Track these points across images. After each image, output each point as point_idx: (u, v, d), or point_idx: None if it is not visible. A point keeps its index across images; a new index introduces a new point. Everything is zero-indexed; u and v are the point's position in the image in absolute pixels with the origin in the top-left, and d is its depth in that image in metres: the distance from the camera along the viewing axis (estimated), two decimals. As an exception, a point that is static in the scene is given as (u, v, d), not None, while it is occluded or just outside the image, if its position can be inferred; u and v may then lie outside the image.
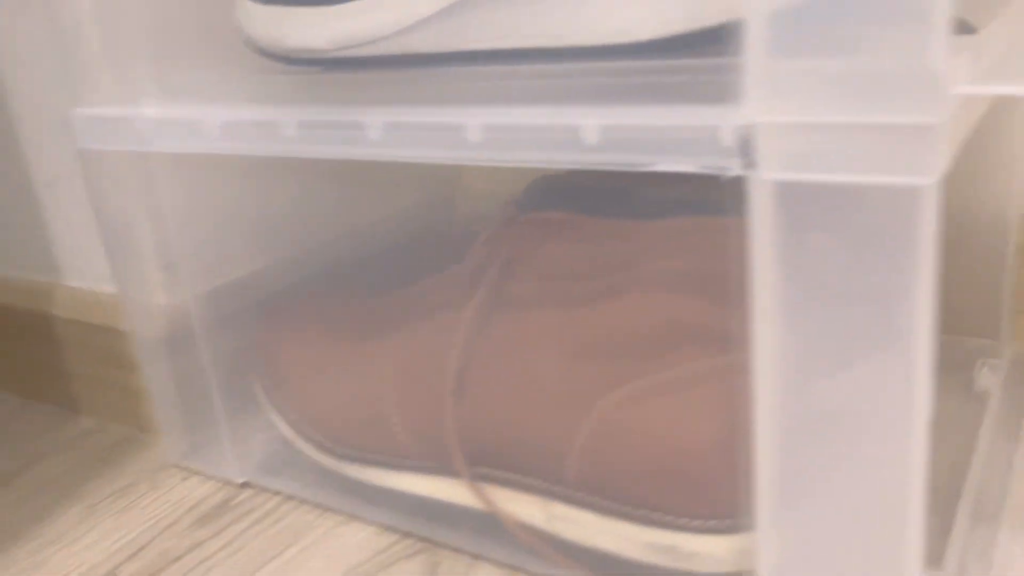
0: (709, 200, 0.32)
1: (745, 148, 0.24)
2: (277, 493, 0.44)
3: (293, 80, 0.37)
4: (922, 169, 0.22)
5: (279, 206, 0.52)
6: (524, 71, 0.30)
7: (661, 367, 0.31)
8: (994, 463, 0.41)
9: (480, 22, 0.31)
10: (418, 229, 0.60)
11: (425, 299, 0.41)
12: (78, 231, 0.53)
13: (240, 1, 0.37)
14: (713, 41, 0.27)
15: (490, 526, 0.38)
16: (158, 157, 0.41)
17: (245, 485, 0.45)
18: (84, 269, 0.54)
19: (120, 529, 0.43)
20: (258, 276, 0.52)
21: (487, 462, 0.36)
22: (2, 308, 0.57)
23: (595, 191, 0.36)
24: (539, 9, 0.30)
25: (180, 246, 0.45)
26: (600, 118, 0.27)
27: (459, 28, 0.31)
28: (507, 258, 0.36)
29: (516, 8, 0.30)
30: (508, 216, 0.37)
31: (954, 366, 0.46)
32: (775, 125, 0.24)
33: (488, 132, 0.29)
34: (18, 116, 0.52)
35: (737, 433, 0.30)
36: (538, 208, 0.36)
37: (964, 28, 0.26)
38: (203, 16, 0.43)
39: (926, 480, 0.25)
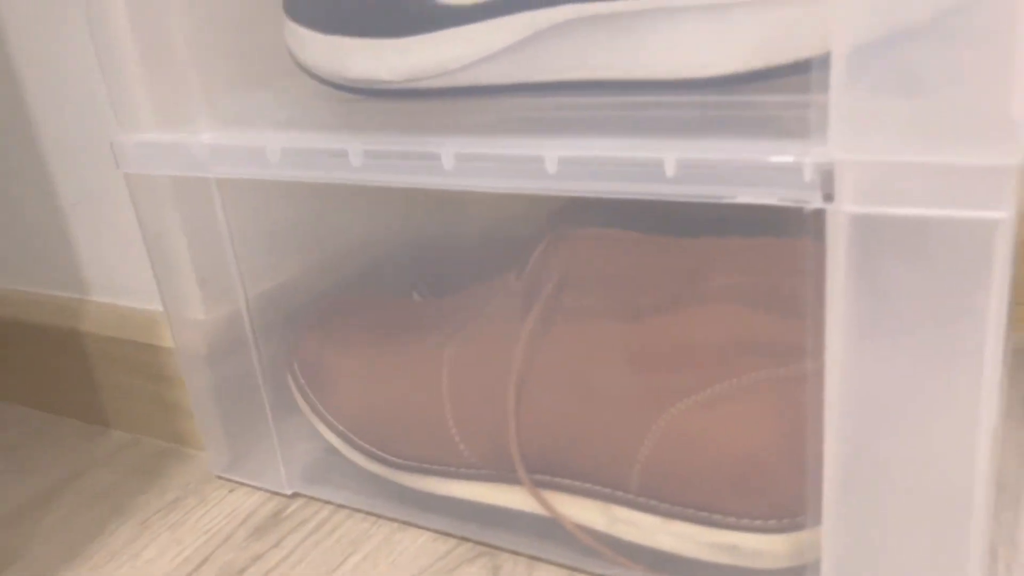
0: (755, 220, 0.34)
1: (826, 183, 0.26)
2: (327, 503, 0.46)
3: (354, 107, 0.38)
4: (999, 205, 0.24)
5: (312, 213, 0.53)
6: (599, 103, 0.32)
7: (726, 378, 0.33)
8: (1004, 448, 0.44)
9: (551, 55, 0.32)
10: (447, 236, 0.61)
11: (476, 307, 0.42)
12: (105, 249, 0.53)
13: (293, 28, 0.38)
14: (789, 75, 0.29)
15: (548, 529, 0.39)
16: (197, 178, 0.42)
17: (295, 495, 0.47)
18: (110, 285, 0.54)
19: (178, 543, 0.44)
20: (299, 282, 0.53)
21: (547, 470, 0.38)
22: (29, 324, 0.57)
23: (635, 209, 0.38)
24: (611, 42, 0.31)
25: (216, 260, 0.46)
26: (682, 151, 0.28)
27: (529, 60, 0.33)
28: (564, 271, 0.37)
29: (586, 41, 0.31)
30: (561, 231, 0.38)
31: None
32: (856, 163, 0.25)
33: (565, 164, 0.30)
34: (47, 139, 0.52)
35: (798, 438, 0.32)
36: (580, 223, 0.38)
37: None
38: (248, 37, 0.43)
39: (991, 486, 0.27)
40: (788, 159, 0.27)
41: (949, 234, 0.25)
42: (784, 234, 0.33)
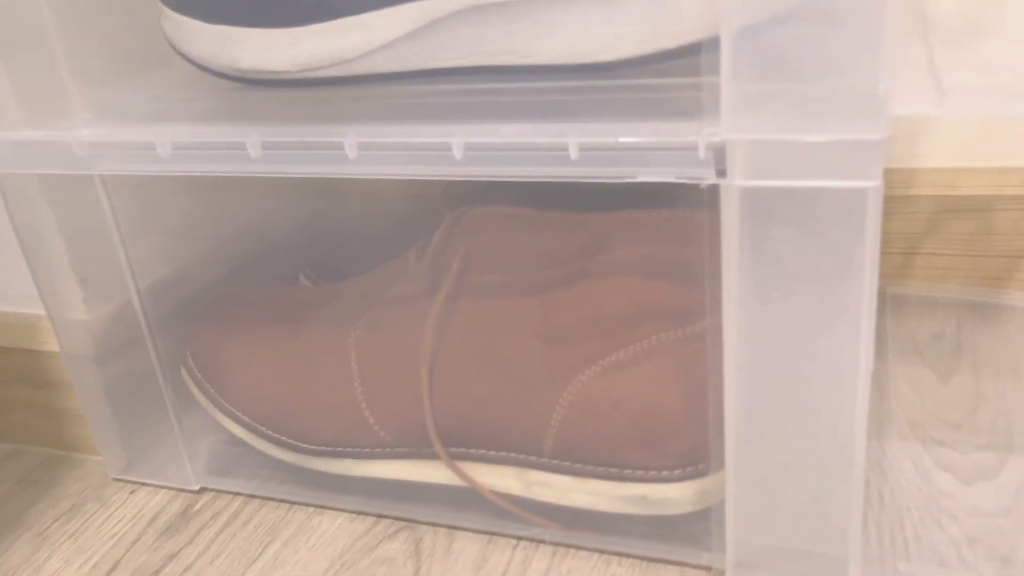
0: (646, 193, 0.36)
1: (719, 160, 0.28)
2: (236, 494, 0.45)
3: (243, 96, 0.38)
4: (869, 175, 0.27)
5: (195, 202, 0.52)
6: (498, 88, 0.33)
7: (628, 343, 0.36)
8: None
9: (447, 41, 0.33)
10: (331, 220, 0.61)
11: (377, 291, 0.43)
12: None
13: (172, 16, 0.37)
14: (678, 59, 0.31)
15: (464, 499, 0.41)
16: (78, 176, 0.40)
17: (201, 491, 0.46)
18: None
19: (82, 551, 0.43)
20: (185, 272, 0.51)
21: (462, 443, 0.39)
22: None
23: (529, 186, 0.39)
24: (506, 29, 0.32)
25: (98, 257, 0.45)
26: (584, 135, 0.30)
27: (426, 47, 0.33)
28: (467, 250, 0.39)
29: (483, 28, 0.32)
30: (460, 210, 0.39)
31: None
32: (744, 141, 0.28)
33: (471, 150, 0.31)
34: None
35: (697, 393, 0.35)
36: (478, 202, 0.39)
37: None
38: (118, 22, 0.41)
39: (866, 422, 0.31)
40: (684, 139, 0.29)
41: (828, 202, 0.28)
42: (674, 206, 0.35)
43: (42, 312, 0.49)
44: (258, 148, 0.34)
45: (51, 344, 0.48)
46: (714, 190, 0.29)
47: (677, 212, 0.34)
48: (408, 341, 0.40)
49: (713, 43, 0.29)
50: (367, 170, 0.33)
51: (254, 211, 0.58)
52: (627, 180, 0.30)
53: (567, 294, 0.36)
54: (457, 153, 0.31)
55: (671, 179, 0.29)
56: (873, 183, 0.27)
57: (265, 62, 0.34)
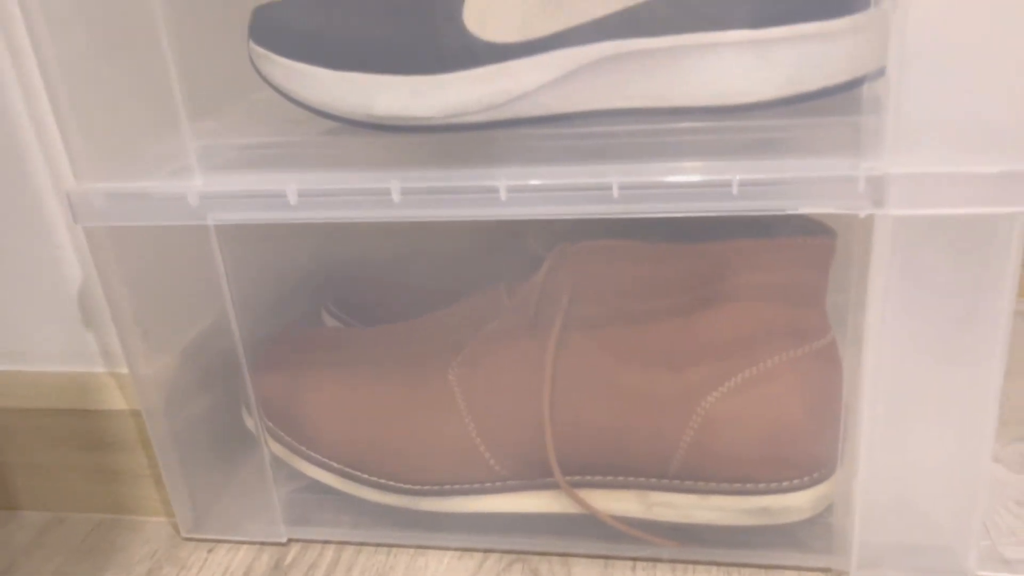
0: (743, 224, 0.39)
1: (877, 192, 0.31)
2: (326, 542, 0.45)
3: (354, 139, 0.38)
4: (1019, 201, 0.30)
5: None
6: (645, 130, 0.34)
7: (749, 365, 0.38)
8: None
9: (591, 86, 0.34)
10: (353, 256, 0.60)
11: (465, 326, 0.43)
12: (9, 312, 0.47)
13: (283, 62, 0.36)
14: (817, 99, 0.33)
15: (571, 526, 0.42)
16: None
17: (289, 542, 0.45)
18: (8, 351, 0.48)
19: (182, 617, 0.41)
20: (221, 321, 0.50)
21: (581, 471, 0.41)
22: None
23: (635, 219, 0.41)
24: (648, 74, 0.34)
25: (159, 309, 0.44)
26: (746, 172, 0.32)
27: (570, 92, 0.34)
28: (575, 284, 0.40)
29: (625, 73, 0.34)
30: (563, 246, 0.40)
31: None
32: (904, 175, 0.31)
33: (629, 188, 0.33)
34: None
35: (817, 407, 0.38)
36: (579, 238, 0.41)
37: None
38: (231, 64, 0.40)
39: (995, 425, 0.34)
40: (845, 174, 0.31)
41: (977, 227, 0.31)
42: (778, 235, 0.38)
43: (91, 369, 0.47)
44: (399, 193, 0.35)
45: (104, 403, 0.46)
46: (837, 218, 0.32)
47: (790, 240, 0.37)
48: (520, 374, 0.40)
49: (856, 83, 0.32)
50: (520, 212, 0.34)
51: (271, 252, 0.57)
52: (789, 212, 0.32)
53: (689, 321, 0.38)
54: (616, 192, 0.33)
55: (832, 211, 0.32)
56: (1020, 208, 0.30)
57: (405, 109, 0.35)
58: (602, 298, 0.40)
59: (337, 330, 0.51)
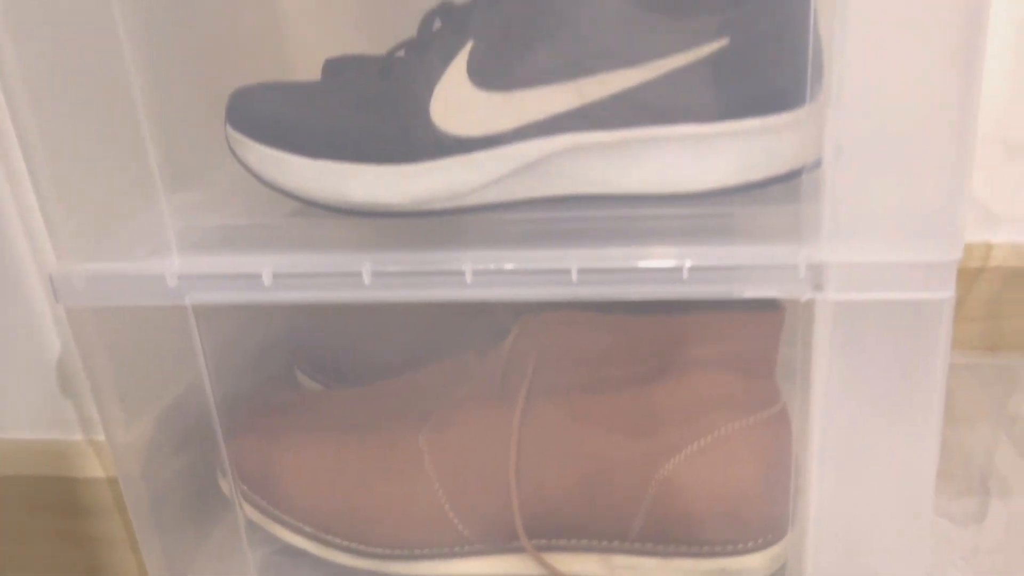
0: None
1: (816, 277, 0.33)
2: (299, 605, 0.46)
3: (328, 222, 0.39)
4: (946, 287, 0.33)
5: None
6: (603, 216, 0.36)
7: (706, 432, 0.40)
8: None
9: (552, 174, 0.36)
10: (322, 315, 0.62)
11: (434, 390, 0.45)
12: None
13: (259, 149, 0.38)
14: (763, 188, 0.36)
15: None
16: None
17: (263, 605, 0.46)
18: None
19: None
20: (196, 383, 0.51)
21: (547, 535, 0.42)
22: None
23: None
24: (605, 163, 0.36)
25: (138, 377, 0.45)
26: (696, 259, 0.34)
27: (532, 180, 0.37)
28: (540, 353, 0.42)
29: (584, 163, 0.36)
30: (523, 316, 0.42)
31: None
32: (840, 263, 0.33)
33: (587, 272, 0.35)
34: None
35: (774, 470, 0.40)
36: (543, 308, 0.43)
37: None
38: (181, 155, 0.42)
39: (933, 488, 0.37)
40: (786, 261, 0.34)
41: (908, 310, 0.34)
42: (730, 309, 0.40)
43: (69, 437, 0.48)
44: (370, 275, 0.36)
45: (82, 470, 0.47)
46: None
47: (742, 314, 0.39)
48: (487, 441, 0.42)
49: (797, 177, 0.35)
50: (484, 294, 0.36)
51: (246, 314, 0.59)
52: (735, 296, 0.34)
53: (648, 390, 0.40)
54: (574, 276, 0.35)
55: (774, 295, 0.34)
56: (948, 294, 0.33)
57: (377, 197, 0.37)
58: (566, 367, 0.42)
59: (309, 393, 0.52)
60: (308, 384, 0.57)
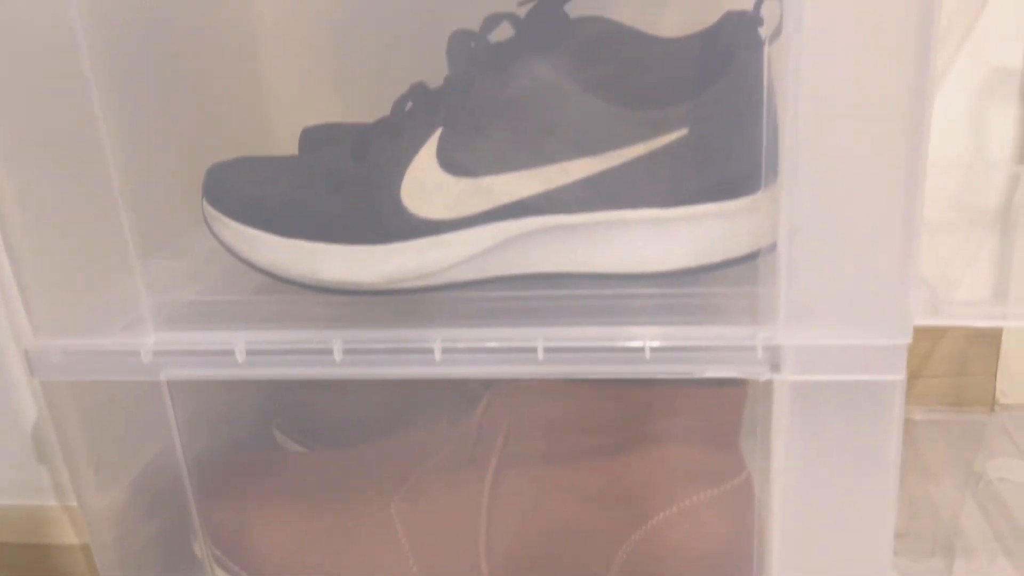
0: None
1: (773, 358, 0.35)
2: (271, 672, 0.46)
3: (315, 297, 0.40)
4: (897, 370, 0.34)
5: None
6: (569, 295, 0.38)
7: (672, 503, 0.41)
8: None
9: (518, 254, 0.38)
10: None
11: (406, 458, 0.46)
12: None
13: (233, 225, 0.39)
14: (721, 270, 0.37)
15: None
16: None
17: (234, 673, 0.46)
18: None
19: None
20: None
21: (516, 602, 0.43)
22: None
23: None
24: (571, 244, 0.37)
25: (113, 444, 0.45)
26: (658, 339, 0.35)
27: (499, 259, 0.38)
28: (510, 422, 0.43)
29: (550, 244, 0.37)
30: (494, 385, 0.43)
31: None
32: (796, 347, 0.34)
33: (553, 351, 0.36)
34: None
35: (739, 535, 0.41)
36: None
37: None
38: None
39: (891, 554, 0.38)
40: (744, 343, 0.35)
41: (862, 390, 0.35)
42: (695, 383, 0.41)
43: (43, 503, 0.48)
44: (341, 352, 0.37)
45: (55, 536, 0.47)
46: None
47: (706, 388, 0.40)
48: (458, 509, 0.43)
49: (752, 256, 0.36)
50: (453, 371, 0.37)
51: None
52: (696, 376, 0.35)
53: (615, 461, 0.41)
54: (540, 355, 0.36)
55: (732, 375, 0.35)
56: (900, 376, 0.34)
57: (349, 275, 0.38)
58: (536, 436, 0.43)
59: (282, 456, 0.53)
60: (286, 443, 0.58)
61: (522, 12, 0.40)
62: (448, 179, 0.36)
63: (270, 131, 0.60)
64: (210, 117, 0.54)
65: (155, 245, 0.42)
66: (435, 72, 0.41)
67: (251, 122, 0.59)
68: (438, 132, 0.37)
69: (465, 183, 0.36)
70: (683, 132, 0.35)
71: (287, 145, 0.52)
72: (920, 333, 0.34)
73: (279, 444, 0.58)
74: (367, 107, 0.46)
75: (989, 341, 0.66)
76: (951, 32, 0.57)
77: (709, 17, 0.42)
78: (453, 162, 0.36)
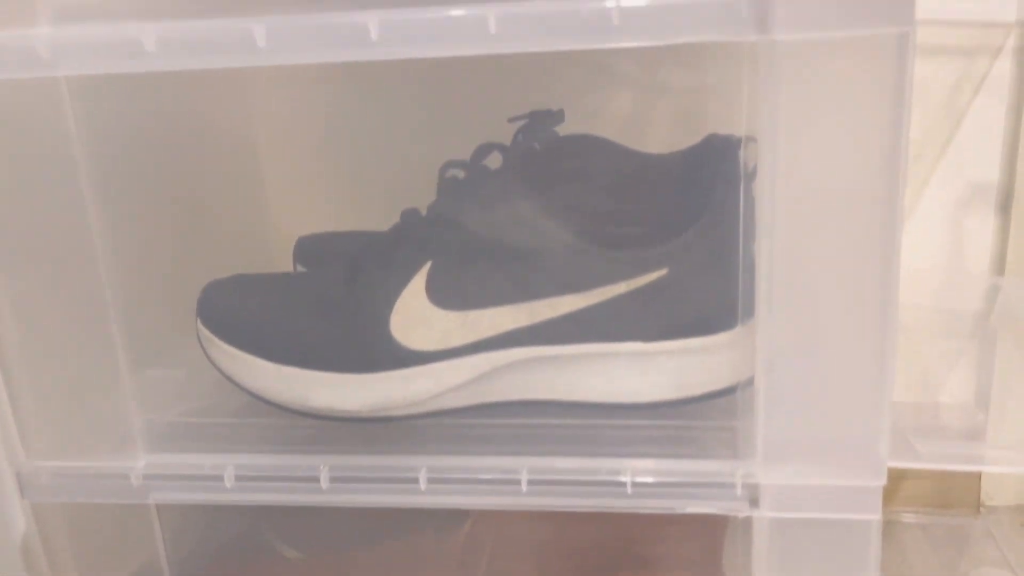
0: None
1: (752, 494, 0.35)
2: None
3: (303, 421, 0.41)
4: (872, 510, 0.34)
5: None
6: (551, 424, 0.38)
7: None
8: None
9: (503, 382, 0.39)
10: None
11: (402, 570, 0.46)
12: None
13: (227, 349, 0.40)
14: (700, 403, 0.38)
15: None
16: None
17: None
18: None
19: None
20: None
21: None
22: None
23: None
24: (554, 374, 0.38)
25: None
26: (638, 473, 0.36)
27: (484, 388, 0.39)
28: (494, 545, 0.43)
29: (534, 373, 0.38)
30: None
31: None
32: (774, 485, 0.35)
33: (536, 483, 0.37)
34: None
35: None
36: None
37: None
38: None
39: None
40: (723, 479, 0.35)
41: (839, 527, 0.35)
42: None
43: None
44: (328, 480, 0.38)
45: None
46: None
47: (689, 517, 0.40)
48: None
49: (731, 390, 0.37)
50: (437, 500, 0.37)
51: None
52: (676, 511, 0.36)
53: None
54: (524, 487, 0.37)
55: (713, 511, 0.36)
56: (875, 516, 0.35)
57: (337, 403, 0.38)
58: (520, 559, 0.43)
59: (265, 564, 0.53)
60: (277, 545, 0.58)
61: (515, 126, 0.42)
62: (437, 312, 0.37)
63: (267, 236, 0.61)
64: (207, 222, 0.55)
65: (148, 354, 0.43)
66: (431, 186, 0.42)
67: (248, 228, 0.61)
68: (428, 265, 0.38)
69: (453, 316, 0.37)
70: (663, 272, 0.37)
71: (284, 247, 0.53)
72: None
73: (269, 547, 0.58)
74: (365, 213, 0.47)
75: (975, 439, 0.67)
76: (929, 147, 0.59)
77: (693, 136, 0.44)
78: (442, 296, 0.37)
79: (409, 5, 0.32)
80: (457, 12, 0.31)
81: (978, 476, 0.66)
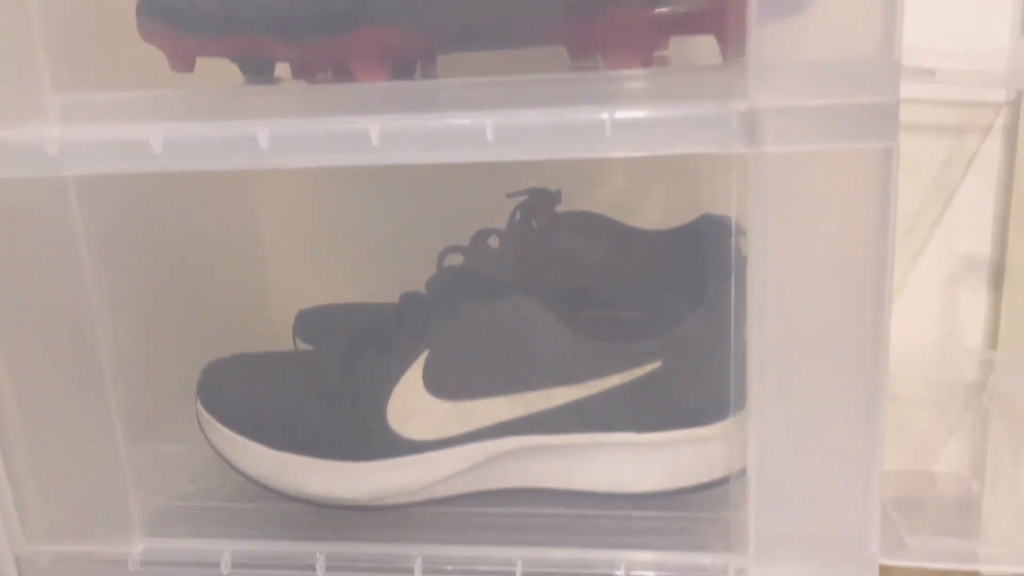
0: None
1: (746, 590, 0.36)
2: None
3: (295, 507, 0.41)
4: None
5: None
6: (547, 513, 0.39)
7: None
8: None
9: (498, 471, 0.39)
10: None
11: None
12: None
13: (226, 432, 0.41)
14: (696, 493, 0.38)
15: None
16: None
17: None
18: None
19: None
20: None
21: None
22: None
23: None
24: (549, 463, 0.39)
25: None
26: (632, 566, 0.36)
27: (479, 476, 0.39)
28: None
29: (530, 461, 0.39)
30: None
31: None
32: (767, 577, 0.35)
33: (531, 575, 0.37)
34: None
35: None
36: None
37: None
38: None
39: None
40: (717, 573, 0.36)
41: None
42: None
43: None
44: (324, 568, 0.38)
45: None
46: None
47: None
48: None
49: (723, 480, 0.37)
50: (432, 590, 0.38)
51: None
52: (670, 604, 0.36)
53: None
54: (518, 577, 0.37)
55: (707, 599, 0.36)
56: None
57: (333, 491, 0.39)
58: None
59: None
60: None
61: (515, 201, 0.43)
62: (433, 402, 0.38)
63: (267, 309, 0.62)
64: (208, 296, 0.56)
65: (147, 430, 0.43)
66: (431, 262, 0.43)
67: (248, 301, 0.61)
68: (424, 354, 0.38)
69: (449, 406, 0.38)
70: (656, 365, 0.37)
71: (284, 320, 0.54)
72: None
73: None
74: (365, 286, 0.47)
75: (970, 509, 0.67)
76: (922, 221, 0.60)
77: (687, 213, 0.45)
78: (438, 386, 0.38)
79: (408, 112, 0.33)
80: (456, 120, 0.32)
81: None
